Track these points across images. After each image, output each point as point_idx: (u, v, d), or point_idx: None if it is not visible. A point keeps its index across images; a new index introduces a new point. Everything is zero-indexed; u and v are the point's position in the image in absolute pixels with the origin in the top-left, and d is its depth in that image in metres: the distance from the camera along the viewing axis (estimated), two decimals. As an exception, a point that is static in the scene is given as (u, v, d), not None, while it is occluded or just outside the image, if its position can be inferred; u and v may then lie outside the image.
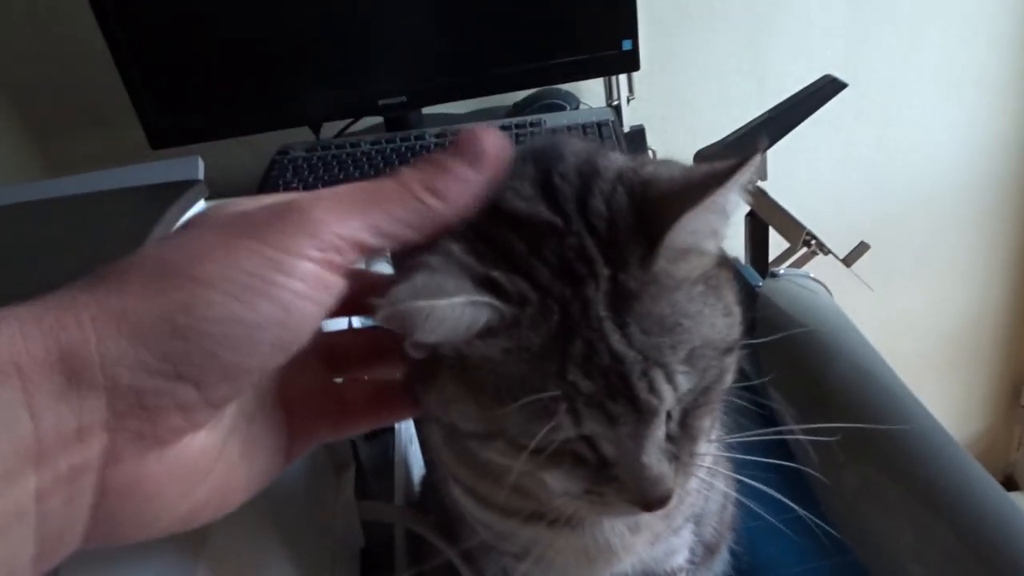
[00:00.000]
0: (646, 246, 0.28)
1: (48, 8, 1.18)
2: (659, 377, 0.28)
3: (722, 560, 0.59)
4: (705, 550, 0.55)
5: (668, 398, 0.28)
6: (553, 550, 0.40)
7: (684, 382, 0.29)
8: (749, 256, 1.23)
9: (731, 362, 0.32)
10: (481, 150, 0.29)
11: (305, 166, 1.11)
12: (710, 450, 0.34)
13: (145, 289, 0.24)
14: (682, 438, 0.31)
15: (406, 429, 0.65)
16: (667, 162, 0.33)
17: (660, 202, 0.29)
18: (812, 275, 0.83)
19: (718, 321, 0.30)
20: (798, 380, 0.72)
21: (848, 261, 1.08)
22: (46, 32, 1.21)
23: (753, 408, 0.75)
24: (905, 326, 1.78)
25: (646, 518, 0.39)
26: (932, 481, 0.57)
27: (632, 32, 1.14)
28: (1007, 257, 1.74)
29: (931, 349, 1.83)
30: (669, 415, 0.30)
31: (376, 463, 0.58)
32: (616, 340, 0.27)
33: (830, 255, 1.09)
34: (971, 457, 0.58)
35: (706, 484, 0.45)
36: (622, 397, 0.28)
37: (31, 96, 1.26)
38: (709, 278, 0.31)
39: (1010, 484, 2.02)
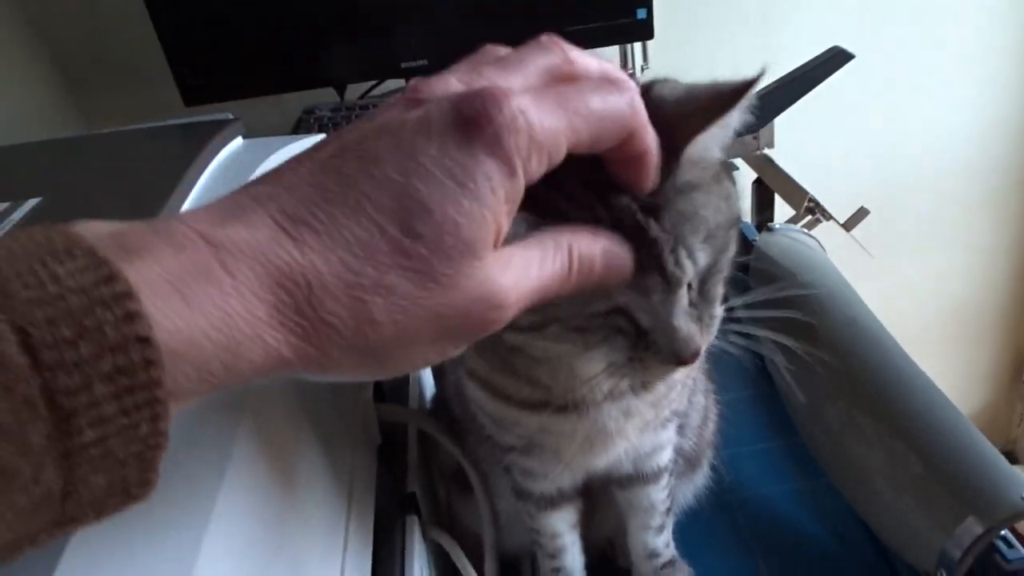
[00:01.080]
0: (667, 162, 0.33)
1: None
2: (683, 255, 0.33)
3: (703, 474, 0.64)
4: (686, 463, 0.60)
5: (690, 271, 0.34)
6: (555, 435, 0.45)
7: (702, 258, 0.34)
8: (755, 221, 1.27)
9: (734, 234, 0.38)
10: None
11: (330, 125, 1.17)
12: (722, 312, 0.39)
13: None
14: (701, 303, 0.36)
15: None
16: (668, 82, 0.37)
17: (675, 123, 0.33)
18: (804, 229, 0.87)
19: (722, 205, 0.36)
20: (790, 324, 0.76)
21: (848, 226, 1.12)
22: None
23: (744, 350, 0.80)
24: (908, 298, 1.81)
25: (636, 405, 0.45)
26: (905, 415, 0.61)
27: (646, 1, 1.18)
28: (1012, 233, 1.77)
29: (933, 322, 1.86)
30: (690, 285, 0.35)
31: (392, 380, 0.63)
32: (652, 228, 0.33)
33: (832, 220, 1.13)
34: (943, 394, 0.63)
35: (688, 387, 0.51)
36: (655, 272, 0.33)
37: (71, 54, 1.31)
38: (716, 174, 0.36)
39: (1011, 460, 2.05)
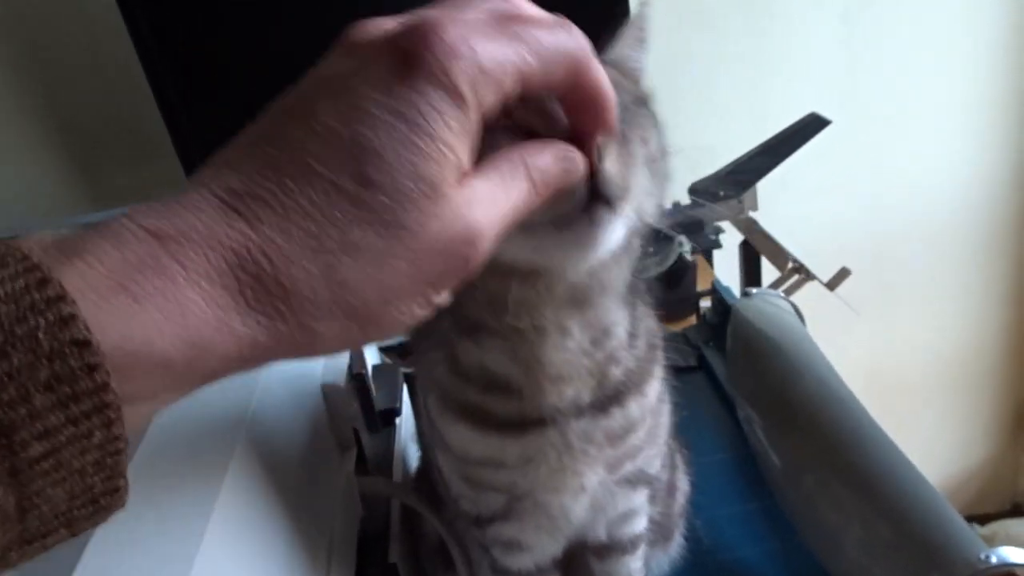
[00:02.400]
0: None
1: (100, 52, 1.29)
2: None
3: (676, 544, 0.66)
4: (658, 532, 0.62)
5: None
6: (529, 464, 0.46)
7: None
8: (743, 282, 1.30)
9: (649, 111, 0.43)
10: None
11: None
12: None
13: None
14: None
15: (407, 425, 0.73)
16: None
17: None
18: (781, 294, 0.90)
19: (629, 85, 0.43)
20: (766, 391, 0.79)
21: (831, 285, 1.15)
22: (96, 71, 1.32)
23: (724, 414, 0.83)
24: (905, 351, 1.82)
25: (595, 431, 0.46)
26: (874, 481, 0.64)
27: (631, 72, 1.23)
28: (1005, 283, 1.79)
29: (931, 375, 1.86)
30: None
31: (378, 452, 0.66)
32: None
33: (815, 281, 1.16)
34: (907, 458, 0.65)
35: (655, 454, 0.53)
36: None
37: (79, 130, 1.37)
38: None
39: (1018, 511, 2.03)
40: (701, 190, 1.20)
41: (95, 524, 0.23)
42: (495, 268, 0.34)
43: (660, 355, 0.51)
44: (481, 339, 0.44)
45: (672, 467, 0.64)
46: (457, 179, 0.26)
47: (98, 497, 0.22)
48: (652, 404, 0.49)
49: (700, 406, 0.88)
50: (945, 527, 0.58)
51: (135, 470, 0.38)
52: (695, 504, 0.69)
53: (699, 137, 1.60)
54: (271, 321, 0.24)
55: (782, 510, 0.73)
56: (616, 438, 0.48)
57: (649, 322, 0.50)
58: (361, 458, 0.62)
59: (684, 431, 0.73)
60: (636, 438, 0.49)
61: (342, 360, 0.61)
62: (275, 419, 0.48)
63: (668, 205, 0.44)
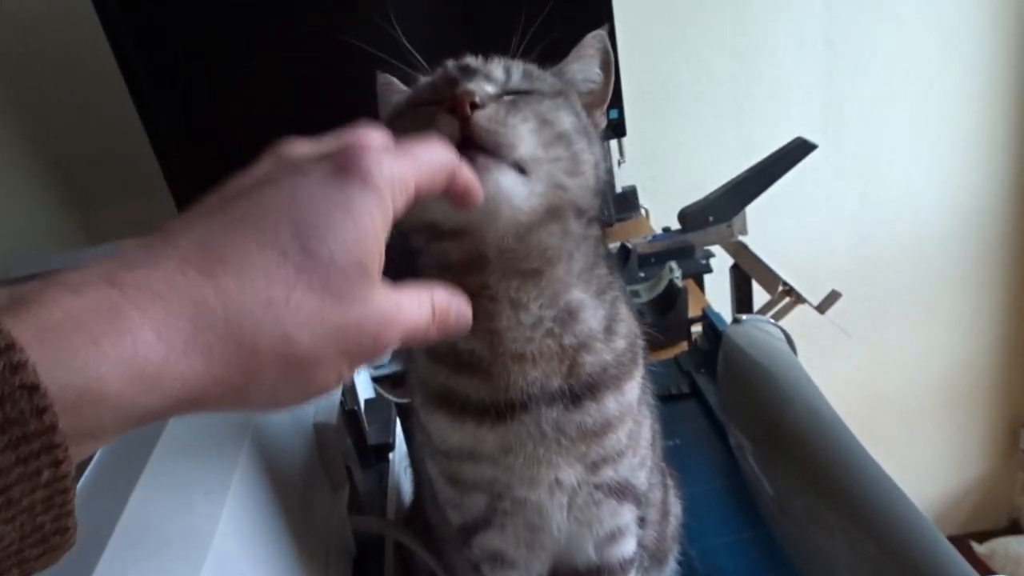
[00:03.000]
0: None
1: (94, 89, 1.31)
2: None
3: (671, 570, 0.66)
4: (652, 558, 0.62)
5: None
6: (506, 454, 0.47)
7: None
8: (734, 306, 1.31)
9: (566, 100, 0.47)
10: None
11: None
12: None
13: None
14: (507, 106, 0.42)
15: (400, 459, 0.74)
16: None
17: None
18: (771, 320, 0.91)
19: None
20: (756, 418, 0.79)
21: (822, 308, 1.16)
22: (90, 109, 1.33)
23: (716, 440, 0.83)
24: (899, 372, 1.83)
25: (567, 421, 0.47)
26: (863, 505, 0.64)
27: (619, 102, 1.25)
28: (993, 302, 1.80)
29: (926, 395, 1.87)
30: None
31: (371, 488, 0.66)
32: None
33: (806, 303, 1.17)
34: (893, 482, 0.65)
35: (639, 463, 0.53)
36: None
37: (74, 168, 1.38)
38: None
39: (1015, 528, 2.03)
40: (691, 215, 1.21)
41: (47, 564, 0.24)
42: (429, 228, 0.42)
43: (640, 356, 0.51)
44: None
45: (664, 487, 0.64)
46: (379, 272, 0.31)
47: (48, 536, 0.23)
48: (631, 404, 0.50)
49: (693, 433, 0.88)
50: (933, 551, 0.59)
51: (131, 511, 0.38)
52: (689, 533, 0.69)
53: (688, 164, 1.63)
54: (219, 367, 0.26)
55: (774, 537, 0.73)
56: (591, 435, 0.48)
57: (631, 323, 0.51)
58: (355, 495, 0.62)
59: (677, 458, 0.73)
60: (615, 439, 0.49)
61: (334, 397, 0.61)
62: (269, 460, 0.48)
63: (599, 176, 0.48)
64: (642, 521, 0.57)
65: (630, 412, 0.50)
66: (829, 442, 0.71)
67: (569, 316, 0.46)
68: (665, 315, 1.08)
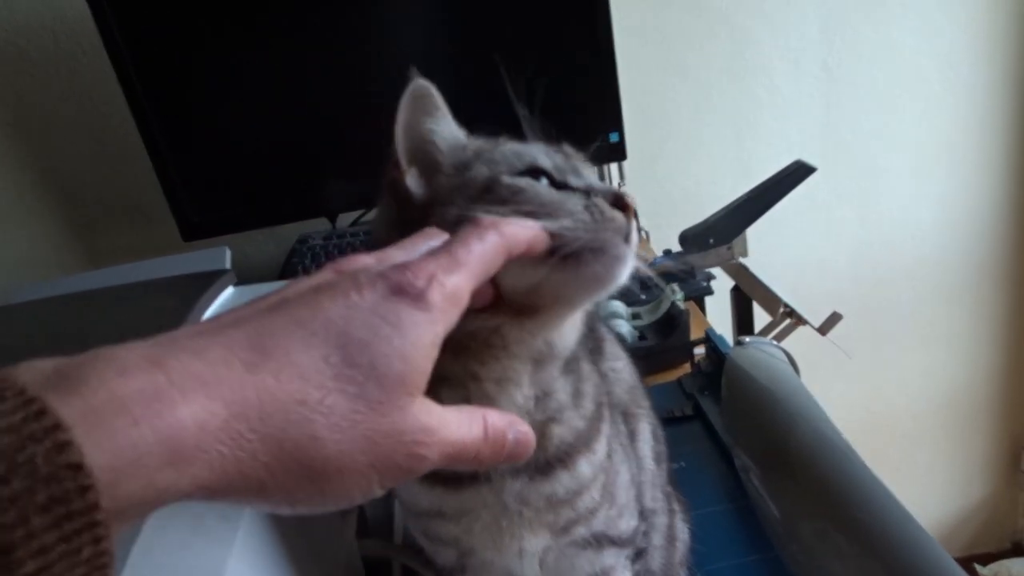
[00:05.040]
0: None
1: (98, 116, 1.32)
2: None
3: (678, 595, 0.66)
4: (657, 585, 0.62)
5: None
6: (469, 518, 0.47)
7: None
8: (735, 328, 1.31)
9: None
10: None
11: (322, 253, 1.23)
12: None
13: None
14: None
15: (405, 484, 0.73)
16: None
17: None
18: (774, 342, 0.91)
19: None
20: (761, 440, 0.79)
21: (823, 330, 1.16)
22: (93, 136, 1.34)
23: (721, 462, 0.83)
24: (900, 393, 1.83)
25: (531, 494, 0.46)
26: (872, 528, 0.64)
27: (619, 125, 1.26)
28: (994, 323, 1.81)
29: (927, 416, 1.87)
30: None
31: (378, 513, 0.66)
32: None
33: (807, 325, 1.18)
34: (901, 505, 0.65)
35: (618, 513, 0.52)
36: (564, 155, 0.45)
37: (76, 193, 1.39)
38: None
39: (1019, 550, 2.02)
40: (691, 238, 1.22)
41: None
42: (498, 303, 0.40)
43: (606, 412, 0.50)
44: (438, 388, 0.44)
45: (670, 512, 0.64)
46: (423, 386, 0.32)
47: None
48: (602, 460, 0.49)
49: (697, 456, 0.88)
50: (939, 570, 0.59)
51: (144, 538, 0.38)
52: (696, 556, 0.69)
53: (687, 186, 1.64)
54: (243, 456, 0.27)
55: (782, 561, 0.73)
56: (560, 503, 0.47)
57: (595, 379, 0.50)
58: (362, 518, 0.62)
59: (681, 481, 0.73)
60: (588, 499, 0.48)
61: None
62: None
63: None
64: (638, 555, 0.56)
65: (601, 469, 0.49)
66: (836, 464, 0.71)
67: (543, 395, 0.46)
68: (667, 337, 1.09)
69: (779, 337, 1.19)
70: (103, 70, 1.10)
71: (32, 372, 0.24)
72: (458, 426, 0.33)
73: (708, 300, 1.31)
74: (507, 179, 0.40)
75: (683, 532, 0.67)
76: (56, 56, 1.28)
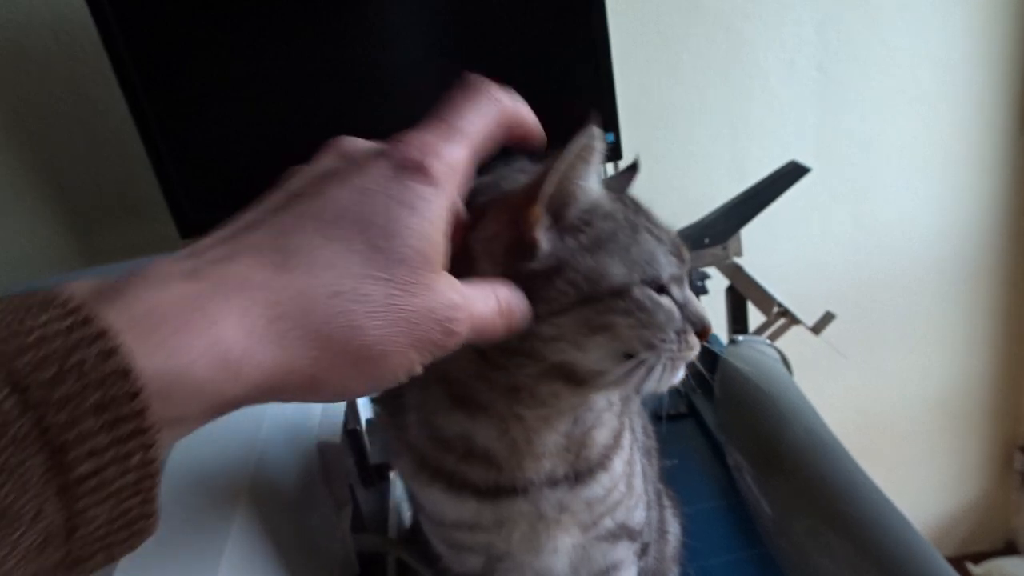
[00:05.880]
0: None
1: (94, 112, 1.32)
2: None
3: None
4: (651, 581, 0.62)
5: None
6: (503, 526, 0.47)
7: None
8: (730, 327, 1.31)
9: None
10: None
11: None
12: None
13: None
14: None
15: (400, 481, 0.74)
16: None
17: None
18: (767, 341, 0.92)
19: None
20: (754, 439, 0.80)
21: (816, 330, 1.17)
22: (91, 133, 1.34)
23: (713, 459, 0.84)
24: (894, 394, 1.84)
25: (571, 499, 0.48)
26: (863, 526, 0.65)
27: (614, 126, 1.26)
28: (988, 323, 1.81)
29: (921, 417, 1.88)
30: None
31: (373, 507, 0.67)
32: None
33: (801, 325, 1.18)
34: (896, 507, 0.66)
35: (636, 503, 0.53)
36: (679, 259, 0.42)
37: (74, 190, 1.39)
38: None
39: (1011, 549, 2.03)
40: (686, 237, 1.22)
41: (129, 549, 0.25)
42: (553, 368, 0.40)
43: (628, 406, 0.52)
44: (475, 414, 0.45)
45: (660, 507, 0.64)
46: (444, 261, 0.32)
47: (134, 520, 0.24)
48: (627, 454, 0.50)
49: (690, 453, 0.89)
50: (929, 568, 0.59)
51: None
52: (688, 552, 0.69)
53: (682, 187, 1.65)
54: (291, 355, 0.27)
55: (774, 558, 0.73)
56: (598, 502, 0.49)
57: None
58: (357, 513, 0.62)
59: (675, 479, 0.74)
60: (617, 493, 0.50)
61: (337, 417, 0.62)
62: (275, 480, 0.49)
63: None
64: (643, 551, 0.57)
65: (626, 462, 0.50)
66: (828, 464, 0.72)
67: (578, 417, 0.47)
68: (662, 336, 1.09)
69: (773, 337, 1.20)
70: (101, 68, 1.10)
71: (75, 287, 0.25)
72: (480, 300, 0.34)
73: (703, 299, 1.32)
74: (638, 292, 0.39)
75: (673, 526, 0.67)
76: (55, 54, 1.29)
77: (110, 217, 1.40)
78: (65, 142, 1.35)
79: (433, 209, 0.31)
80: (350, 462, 0.63)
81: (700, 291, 1.26)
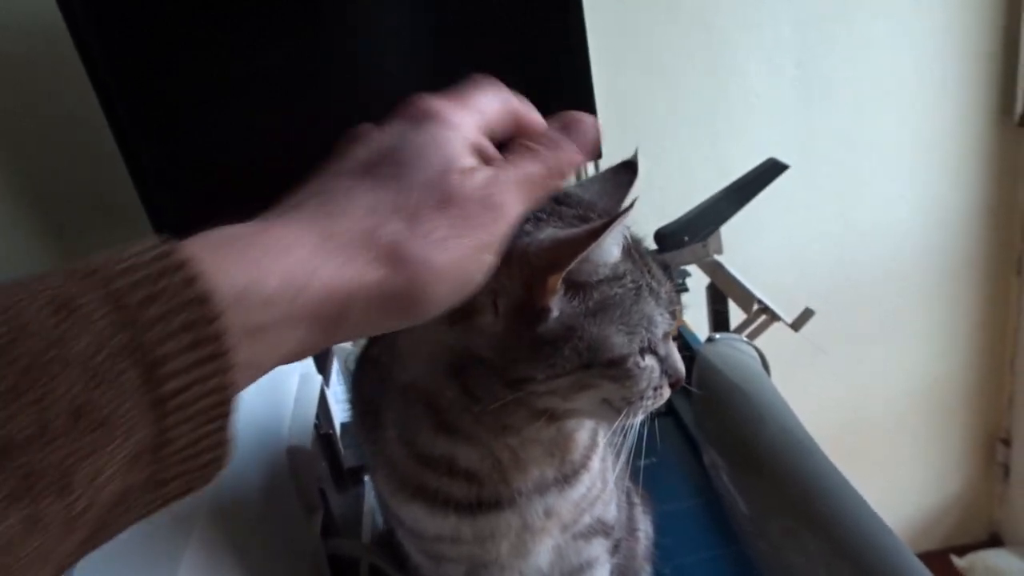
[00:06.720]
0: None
1: (69, 114, 1.31)
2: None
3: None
4: (622, 576, 0.62)
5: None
6: (487, 538, 0.48)
7: None
8: (711, 324, 1.32)
9: None
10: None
11: (299, 253, 1.23)
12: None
13: None
14: None
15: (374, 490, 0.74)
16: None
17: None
18: (744, 338, 0.92)
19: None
20: (730, 437, 0.80)
21: (796, 326, 1.17)
22: (66, 135, 1.33)
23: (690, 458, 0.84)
24: (878, 388, 1.85)
25: (558, 503, 0.48)
26: (837, 525, 0.65)
27: (594, 125, 1.26)
28: (968, 318, 1.82)
29: (905, 411, 1.89)
30: None
31: (346, 511, 0.66)
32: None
33: (780, 322, 1.19)
34: (870, 507, 0.66)
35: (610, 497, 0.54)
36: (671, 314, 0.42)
37: (50, 193, 1.38)
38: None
39: (995, 541, 2.05)
40: (667, 235, 1.22)
41: (203, 482, 0.27)
42: (539, 412, 0.41)
43: None
44: (458, 441, 0.45)
45: (630, 504, 0.65)
46: (468, 159, 0.34)
47: (210, 448, 0.26)
48: (602, 451, 0.51)
49: (668, 452, 0.89)
50: (902, 567, 0.60)
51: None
52: (664, 550, 0.70)
53: (663, 185, 1.65)
54: (358, 270, 0.29)
55: (749, 556, 0.74)
56: (582, 500, 0.50)
57: None
58: (329, 517, 0.62)
59: (652, 477, 0.74)
60: (596, 489, 0.51)
61: (308, 421, 0.61)
62: (241, 485, 0.49)
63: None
64: (615, 548, 0.58)
65: (601, 458, 0.51)
66: (803, 463, 0.72)
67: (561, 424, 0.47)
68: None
69: (754, 334, 1.20)
70: (76, 71, 1.09)
71: (152, 237, 0.26)
72: (517, 168, 0.35)
73: (684, 297, 1.32)
74: (631, 363, 0.40)
75: (644, 524, 0.67)
76: (28, 57, 1.28)
77: (86, 219, 1.39)
78: (40, 145, 1.34)
79: (455, 139, 0.33)
80: (322, 466, 0.62)
81: (680, 289, 1.27)
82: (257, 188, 1.29)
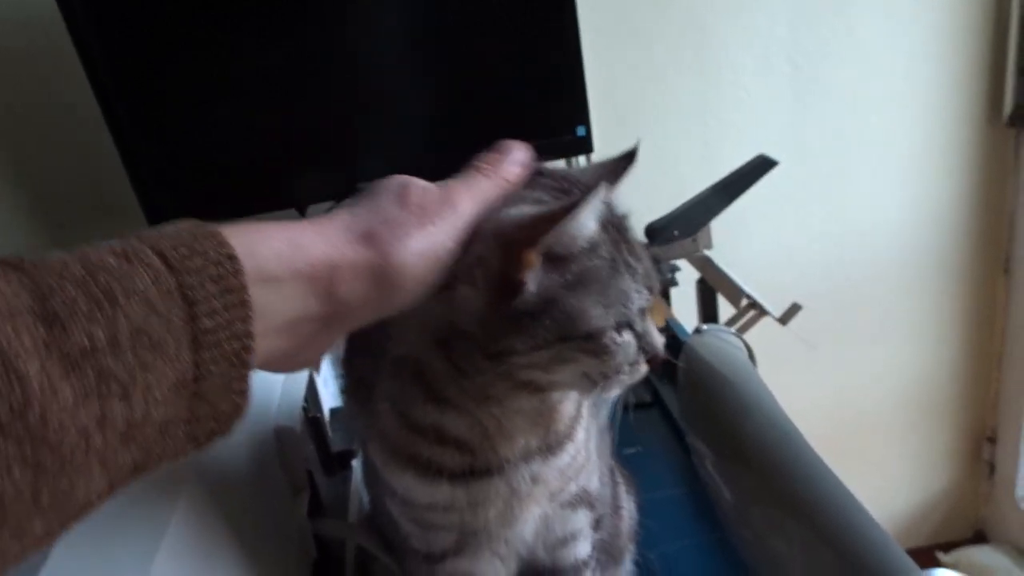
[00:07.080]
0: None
1: (66, 109, 1.31)
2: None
3: (626, 571, 0.67)
4: (606, 554, 0.63)
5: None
6: (477, 504, 0.49)
7: None
8: (701, 318, 1.33)
9: None
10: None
11: (291, 244, 1.23)
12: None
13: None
14: None
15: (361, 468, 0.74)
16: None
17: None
18: (731, 330, 0.93)
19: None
20: (715, 426, 0.81)
21: (783, 320, 1.18)
22: (63, 131, 1.33)
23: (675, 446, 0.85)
24: (866, 385, 1.86)
25: (544, 471, 0.49)
26: (820, 513, 0.66)
27: (585, 119, 1.27)
28: (954, 316, 1.84)
29: (893, 408, 1.90)
30: None
31: (334, 494, 0.67)
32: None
33: (769, 316, 1.20)
34: (853, 496, 0.67)
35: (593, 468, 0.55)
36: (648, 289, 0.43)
37: (46, 189, 1.38)
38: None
39: (980, 538, 2.06)
40: (657, 230, 1.23)
41: (225, 427, 0.32)
42: (521, 384, 0.43)
43: None
44: (446, 409, 0.46)
45: (613, 482, 0.65)
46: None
47: (234, 392, 0.31)
48: (586, 421, 0.52)
49: (655, 441, 0.90)
50: (883, 554, 0.61)
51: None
52: (650, 536, 0.70)
53: (654, 180, 1.65)
54: (348, 248, 0.36)
55: (733, 543, 0.74)
56: (567, 468, 0.51)
57: None
58: (317, 500, 0.63)
59: (639, 466, 0.75)
60: (580, 459, 0.52)
61: (296, 403, 0.62)
62: (226, 464, 0.49)
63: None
64: (598, 523, 0.59)
65: (584, 429, 0.52)
66: (787, 452, 0.72)
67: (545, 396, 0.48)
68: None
69: (743, 329, 1.21)
70: (73, 66, 1.10)
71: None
72: (470, 186, 0.42)
73: (673, 292, 1.33)
74: (607, 338, 0.41)
75: (628, 503, 0.68)
76: (25, 52, 1.28)
77: (86, 219, 1.39)
78: (37, 140, 1.34)
79: (412, 178, 0.40)
80: (309, 448, 0.63)
81: (670, 283, 1.28)
82: (255, 188, 1.32)
